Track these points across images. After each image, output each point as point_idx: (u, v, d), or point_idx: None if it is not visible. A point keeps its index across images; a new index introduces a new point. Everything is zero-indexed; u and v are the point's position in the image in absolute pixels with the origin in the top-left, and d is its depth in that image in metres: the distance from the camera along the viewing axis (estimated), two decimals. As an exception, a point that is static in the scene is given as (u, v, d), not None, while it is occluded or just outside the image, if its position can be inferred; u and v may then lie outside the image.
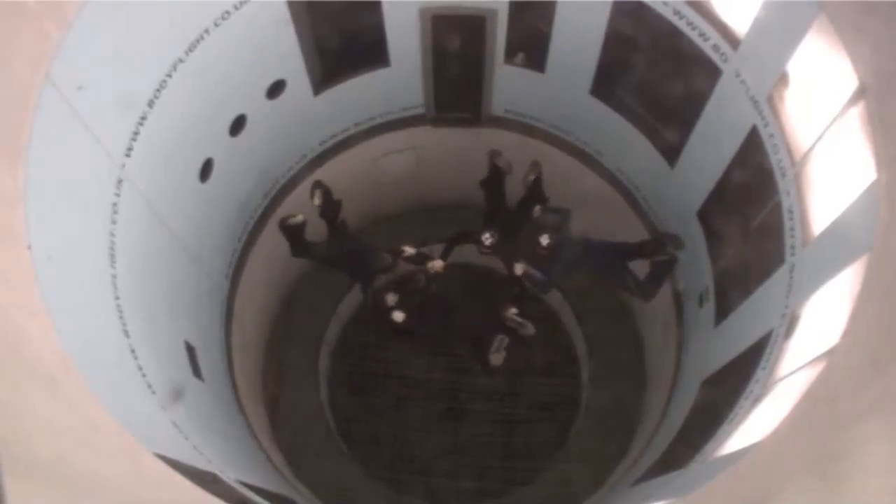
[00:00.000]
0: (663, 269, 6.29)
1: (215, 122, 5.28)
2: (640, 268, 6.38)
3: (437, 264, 6.52)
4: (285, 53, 5.50)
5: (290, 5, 5.15)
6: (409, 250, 6.57)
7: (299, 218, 6.51)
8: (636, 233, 6.87)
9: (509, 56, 6.24)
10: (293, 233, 6.57)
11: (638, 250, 6.30)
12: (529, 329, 6.60)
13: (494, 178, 6.80)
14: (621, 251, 6.34)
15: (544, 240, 6.00)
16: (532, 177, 6.61)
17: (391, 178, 7.63)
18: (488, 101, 6.80)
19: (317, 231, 6.76)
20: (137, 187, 4.35)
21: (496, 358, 6.62)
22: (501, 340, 6.60)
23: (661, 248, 6.16)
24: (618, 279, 6.49)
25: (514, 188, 6.79)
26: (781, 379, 4.16)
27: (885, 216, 3.30)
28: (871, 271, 3.32)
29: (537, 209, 6.43)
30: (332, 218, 6.69)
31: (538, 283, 6.50)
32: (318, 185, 6.63)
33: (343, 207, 6.78)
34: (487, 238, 6.29)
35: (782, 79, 4.38)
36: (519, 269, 6.35)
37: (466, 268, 8.32)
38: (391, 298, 6.49)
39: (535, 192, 6.65)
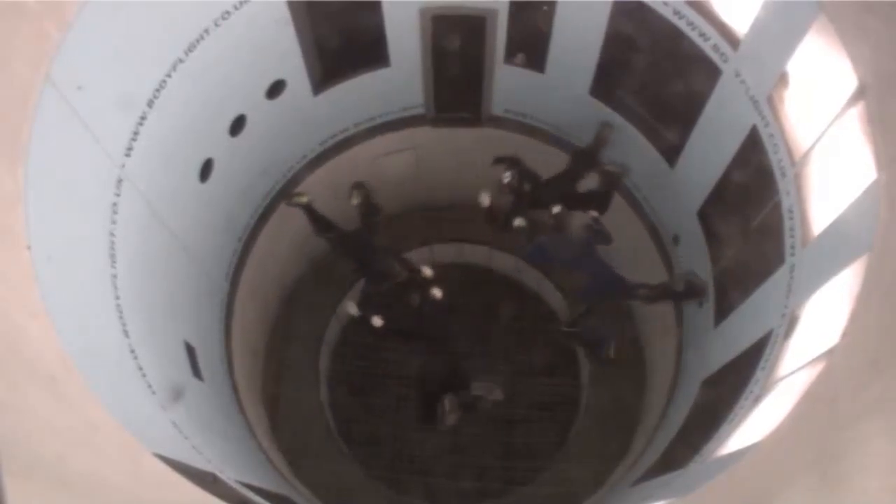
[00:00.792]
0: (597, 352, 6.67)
1: (215, 122, 5.28)
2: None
3: (436, 292, 6.51)
4: (285, 53, 5.50)
5: (290, 5, 5.15)
6: (428, 272, 6.55)
7: (304, 199, 6.47)
8: (637, 234, 6.88)
9: (509, 56, 6.24)
10: (308, 212, 6.54)
11: (634, 295, 6.46)
12: (498, 394, 6.70)
13: (592, 151, 6.64)
14: (617, 290, 6.47)
15: (555, 208, 6.11)
16: (613, 170, 6.51)
17: (391, 178, 7.63)
18: (488, 101, 6.80)
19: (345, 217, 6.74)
20: (137, 187, 4.35)
21: (450, 418, 6.72)
22: (451, 401, 6.69)
23: (664, 297, 6.31)
24: (585, 301, 6.64)
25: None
26: (781, 379, 4.15)
27: (885, 216, 3.30)
28: (871, 271, 3.32)
29: (594, 218, 6.34)
30: (370, 218, 6.69)
31: (522, 246, 6.57)
32: (358, 185, 6.61)
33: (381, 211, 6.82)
34: (507, 177, 6.36)
35: (782, 79, 4.38)
36: (518, 221, 6.43)
37: (466, 268, 8.34)
38: (376, 320, 6.50)
39: (606, 191, 6.60)
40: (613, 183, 6.58)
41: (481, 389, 6.65)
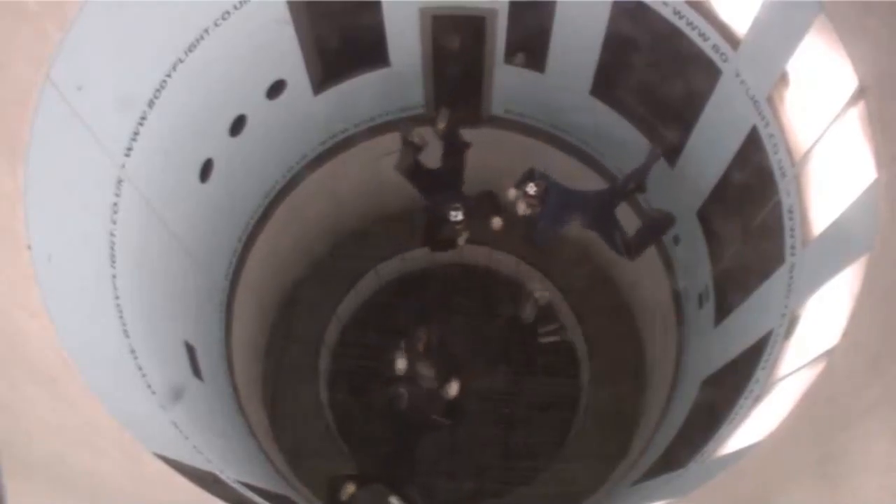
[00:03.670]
0: (654, 228, 6.22)
1: (215, 122, 5.28)
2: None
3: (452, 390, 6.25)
4: (285, 53, 5.50)
5: (290, 5, 5.15)
6: (454, 389, 6.27)
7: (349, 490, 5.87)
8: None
9: (509, 56, 6.24)
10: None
11: (621, 190, 6.22)
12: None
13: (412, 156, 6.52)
14: (607, 194, 6.28)
15: (531, 188, 5.86)
16: (442, 125, 6.34)
17: (391, 178, 7.62)
18: (488, 101, 6.80)
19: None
20: (137, 187, 4.35)
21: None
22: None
23: (641, 180, 6.10)
24: (606, 230, 6.29)
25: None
26: (781, 379, 4.16)
27: (885, 216, 3.30)
28: (871, 271, 3.32)
29: (512, 193, 6.08)
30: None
31: (539, 232, 6.25)
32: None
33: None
34: (457, 214, 6.07)
35: (782, 79, 4.38)
36: (496, 223, 6.26)
37: (466, 268, 8.33)
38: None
39: (453, 140, 6.45)
40: (452, 126, 6.39)
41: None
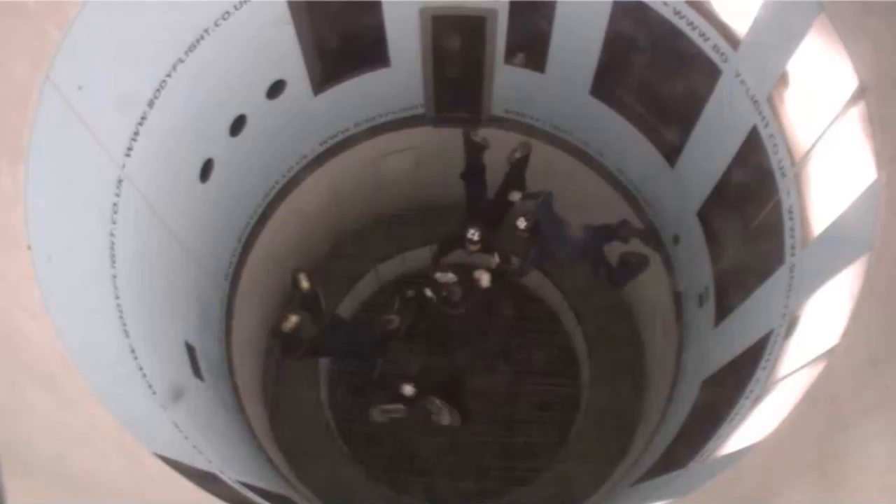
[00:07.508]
0: (634, 266, 6.51)
1: (215, 122, 5.28)
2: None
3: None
4: (285, 53, 5.50)
5: (290, 5, 5.15)
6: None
7: (293, 321, 6.12)
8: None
9: (509, 56, 6.24)
10: (288, 339, 6.31)
11: (614, 232, 6.44)
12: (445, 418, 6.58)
13: (474, 163, 6.78)
14: (598, 234, 6.47)
15: (521, 223, 6.18)
16: (518, 154, 6.62)
17: (391, 178, 7.63)
18: (488, 101, 6.80)
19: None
20: (137, 187, 4.36)
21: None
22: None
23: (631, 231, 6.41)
24: (591, 264, 6.61)
25: (494, 177, 6.85)
26: (781, 379, 4.15)
27: (885, 216, 3.30)
28: (871, 271, 3.32)
29: (516, 195, 6.48)
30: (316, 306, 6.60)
31: (517, 269, 6.72)
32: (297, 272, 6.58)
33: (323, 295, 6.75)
34: (474, 234, 6.39)
35: (782, 79, 4.38)
36: (495, 258, 6.61)
37: (466, 268, 8.31)
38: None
39: (516, 176, 6.68)
40: (521, 162, 6.68)
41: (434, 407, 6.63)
